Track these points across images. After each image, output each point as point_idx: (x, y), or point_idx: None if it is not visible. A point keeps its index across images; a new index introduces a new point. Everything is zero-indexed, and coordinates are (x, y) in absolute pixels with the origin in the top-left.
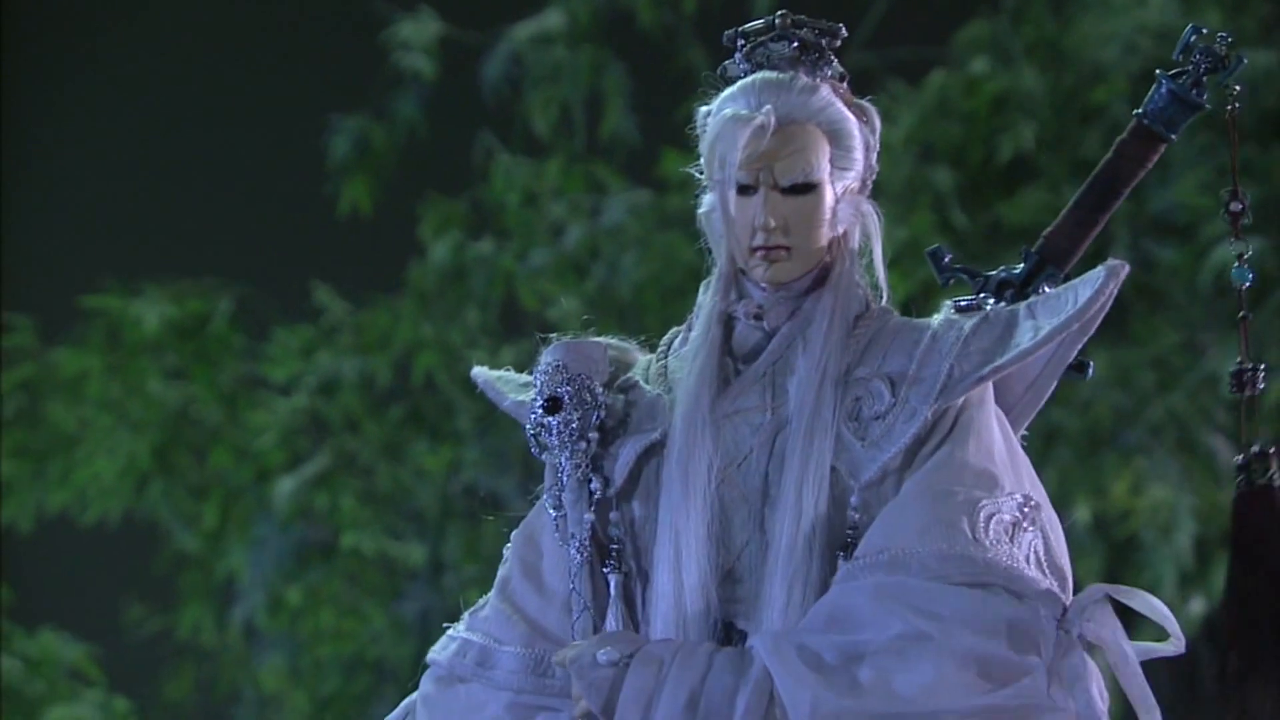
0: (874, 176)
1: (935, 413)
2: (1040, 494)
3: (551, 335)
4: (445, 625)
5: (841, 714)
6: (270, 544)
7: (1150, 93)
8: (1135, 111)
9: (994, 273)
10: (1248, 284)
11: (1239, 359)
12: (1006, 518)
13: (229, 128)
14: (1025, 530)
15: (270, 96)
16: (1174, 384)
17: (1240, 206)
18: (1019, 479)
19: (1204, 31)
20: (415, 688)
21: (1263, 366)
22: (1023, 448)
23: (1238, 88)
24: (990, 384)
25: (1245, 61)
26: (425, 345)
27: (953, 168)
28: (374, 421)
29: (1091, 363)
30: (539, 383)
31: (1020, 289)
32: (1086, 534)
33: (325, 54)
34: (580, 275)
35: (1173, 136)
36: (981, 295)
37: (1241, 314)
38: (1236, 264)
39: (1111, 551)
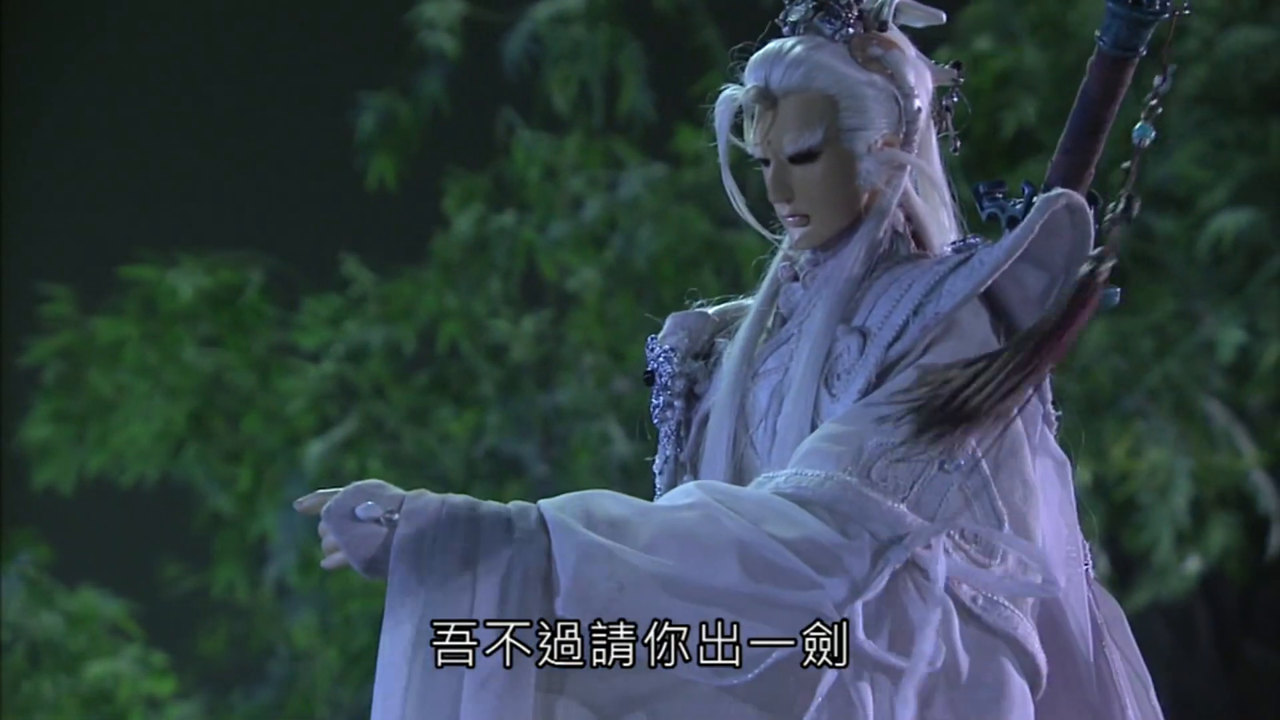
0: (919, 126)
1: (882, 364)
2: (1006, 443)
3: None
4: None
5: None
6: None
7: (1104, 18)
8: (1096, 35)
9: (1014, 207)
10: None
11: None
12: (903, 453)
13: (261, 106)
14: (940, 470)
15: (300, 76)
16: (1171, 350)
17: (1161, 81)
18: None
19: None
20: None
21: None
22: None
23: None
24: (962, 324)
25: None
26: (449, 314)
27: (958, 141)
28: (400, 388)
29: (1114, 291)
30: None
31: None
32: (1086, 495)
33: (353, 34)
34: (598, 247)
35: (1136, 54)
36: (973, 239)
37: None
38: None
39: (1110, 512)
